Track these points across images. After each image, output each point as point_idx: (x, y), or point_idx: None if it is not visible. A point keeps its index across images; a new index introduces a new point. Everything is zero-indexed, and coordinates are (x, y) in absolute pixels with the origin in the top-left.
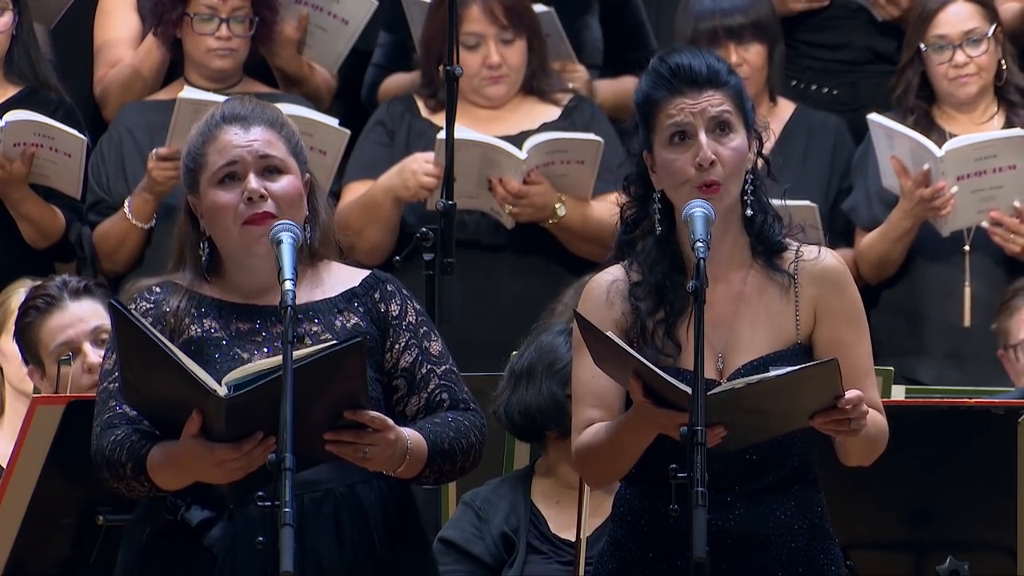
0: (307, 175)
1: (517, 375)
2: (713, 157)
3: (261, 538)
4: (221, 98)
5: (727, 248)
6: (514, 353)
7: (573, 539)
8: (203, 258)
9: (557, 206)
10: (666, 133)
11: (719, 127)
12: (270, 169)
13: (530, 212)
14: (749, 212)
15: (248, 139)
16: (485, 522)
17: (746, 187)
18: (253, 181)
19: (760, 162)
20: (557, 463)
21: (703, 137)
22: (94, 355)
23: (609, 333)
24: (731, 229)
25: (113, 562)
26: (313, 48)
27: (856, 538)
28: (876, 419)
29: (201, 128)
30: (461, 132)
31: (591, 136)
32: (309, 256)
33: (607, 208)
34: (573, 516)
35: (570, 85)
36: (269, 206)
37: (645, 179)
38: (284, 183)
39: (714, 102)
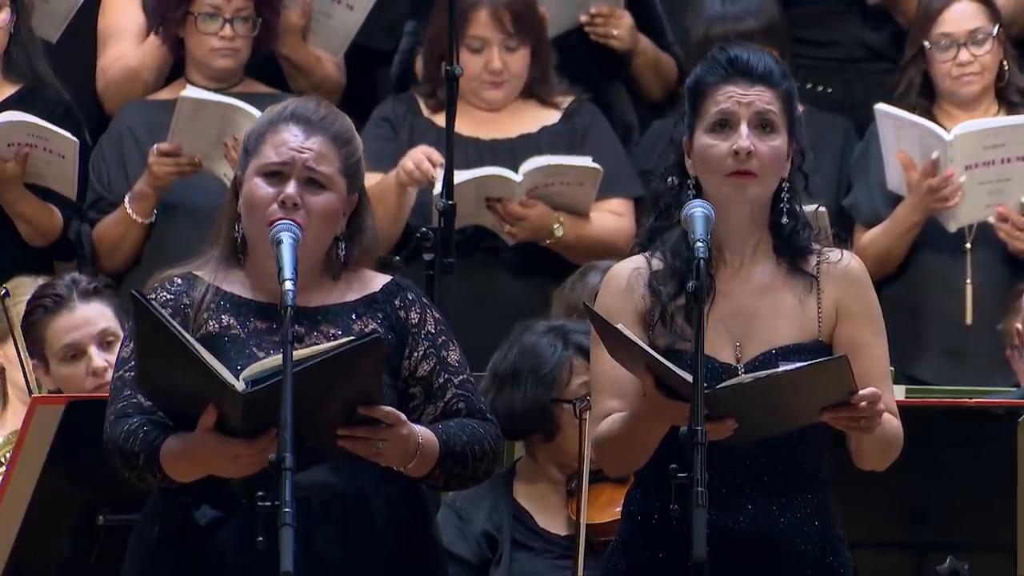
0: (356, 194)
1: (501, 377)
2: (751, 148)
3: (261, 538)
4: (222, 98)
5: (752, 244)
6: (496, 353)
7: (562, 533)
8: (238, 239)
9: (555, 227)
10: (710, 119)
11: (762, 124)
12: (312, 182)
13: (528, 233)
14: (784, 220)
15: (303, 145)
16: (466, 522)
17: (783, 195)
18: (292, 187)
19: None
20: (543, 464)
21: (744, 128)
22: (99, 359)
23: (619, 326)
24: (758, 226)
25: (113, 562)
26: (317, 35)
27: (856, 538)
28: (892, 422)
29: (270, 116)
30: (456, 176)
31: (591, 164)
32: (340, 266)
33: (605, 219)
34: (559, 510)
35: (615, 32)
36: (300, 216)
37: (682, 169)
38: (323, 199)
39: (763, 99)
